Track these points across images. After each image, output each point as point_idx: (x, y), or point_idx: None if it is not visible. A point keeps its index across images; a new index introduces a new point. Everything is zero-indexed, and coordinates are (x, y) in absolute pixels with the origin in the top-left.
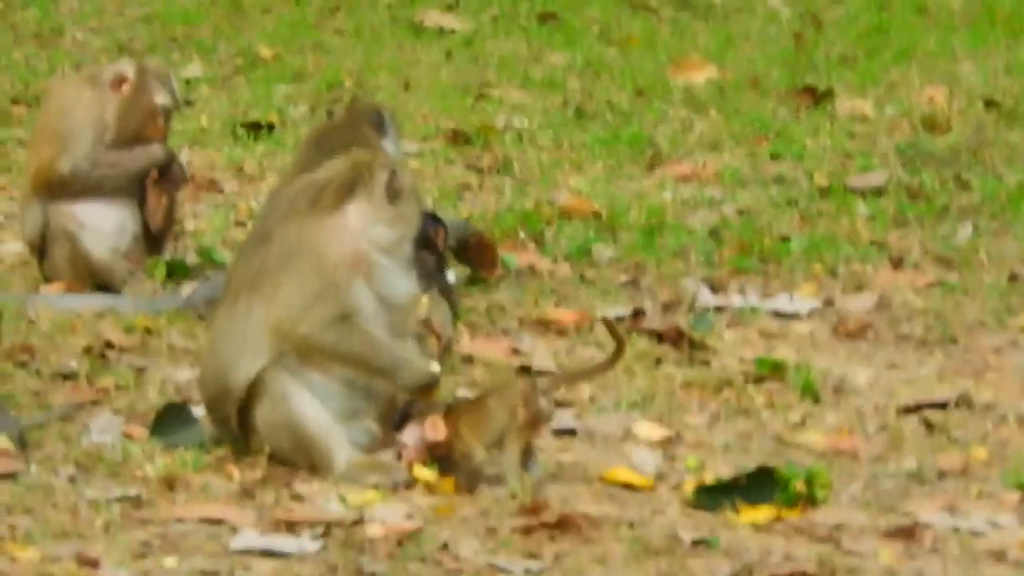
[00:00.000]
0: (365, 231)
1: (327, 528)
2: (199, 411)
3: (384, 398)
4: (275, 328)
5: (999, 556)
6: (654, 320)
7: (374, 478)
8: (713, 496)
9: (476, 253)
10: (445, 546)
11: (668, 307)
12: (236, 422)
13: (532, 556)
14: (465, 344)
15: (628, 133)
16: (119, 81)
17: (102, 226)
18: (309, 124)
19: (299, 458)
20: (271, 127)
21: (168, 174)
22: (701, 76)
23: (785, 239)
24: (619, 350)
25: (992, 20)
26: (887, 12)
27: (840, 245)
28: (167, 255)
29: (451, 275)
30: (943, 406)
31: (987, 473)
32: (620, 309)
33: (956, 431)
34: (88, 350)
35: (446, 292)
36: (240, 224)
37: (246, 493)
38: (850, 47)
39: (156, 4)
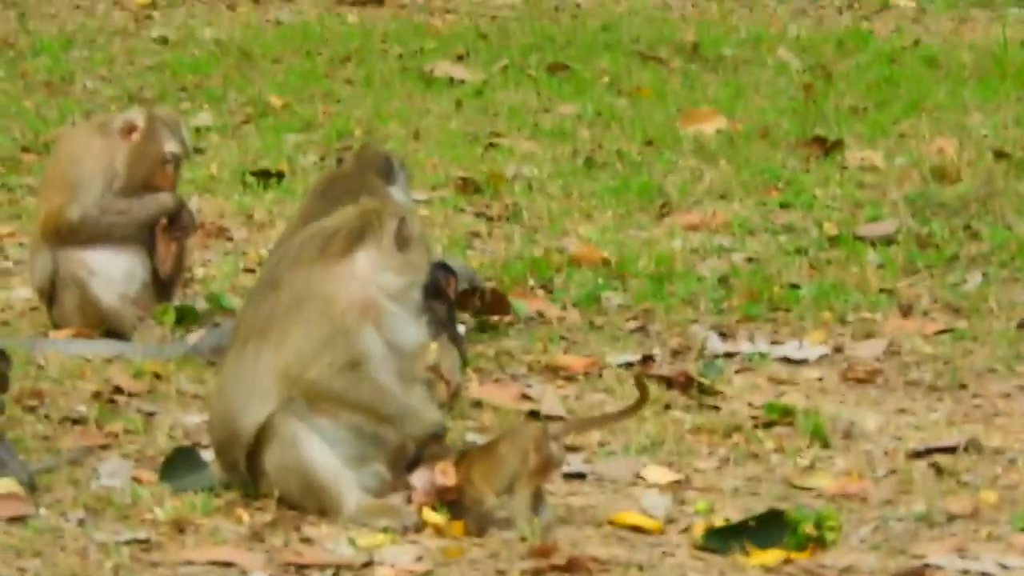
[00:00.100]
0: (374, 278)
1: (336, 571)
2: (208, 455)
3: (394, 443)
4: (284, 374)
5: None
6: (663, 366)
7: (384, 521)
8: (723, 539)
9: (490, 304)
10: None
11: (677, 353)
12: (245, 466)
13: None
14: (474, 389)
15: (638, 182)
16: (129, 129)
17: (111, 273)
18: (319, 173)
19: (308, 502)
20: (281, 175)
21: (178, 221)
22: (711, 126)
23: (795, 287)
24: (639, 404)
25: (1002, 73)
26: (897, 64)
27: (849, 293)
28: (176, 301)
29: (460, 327)
30: (952, 450)
31: (996, 516)
32: (629, 355)
33: (965, 475)
34: (97, 395)
35: (455, 339)
36: (249, 271)
37: (255, 536)
38: (860, 99)
39: (166, 54)
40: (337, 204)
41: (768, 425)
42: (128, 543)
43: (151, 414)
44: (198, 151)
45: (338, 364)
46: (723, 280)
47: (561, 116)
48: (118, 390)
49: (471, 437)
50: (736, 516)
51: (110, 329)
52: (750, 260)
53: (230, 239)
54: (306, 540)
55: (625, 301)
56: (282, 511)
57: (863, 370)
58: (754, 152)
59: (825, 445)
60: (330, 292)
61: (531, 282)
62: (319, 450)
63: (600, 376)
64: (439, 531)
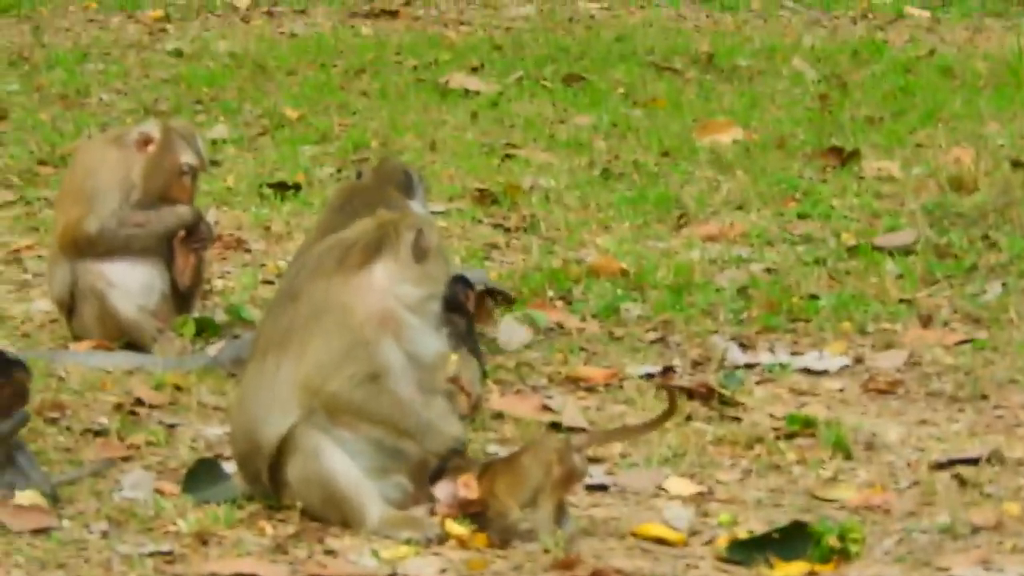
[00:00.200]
0: (392, 290)
1: None
2: (230, 467)
3: (415, 457)
4: (304, 386)
5: None
6: (684, 377)
7: (407, 533)
8: (746, 551)
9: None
10: None
11: (698, 364)
12: (268, 478)
13: None
14: (495, 401)
15: (655, 193)
16: (145, 141)
17: (130, 285)
18: (335, 184)
19: (331, 513)
20: (297, 187)
21: (196, 233)
22: (727, 137)
23: (814, 297)
24: (664, 416)
25: (1018, 82)
26: (913, 74)
27: (869, 303)
28: (195, 313)
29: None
30: (975, 462)
31: (1020, 528)
32: (649, 366)
33: (988, 486)
34: (118, 407)
35: (475, 352)
36: (268, 283)
37: (279, 548)
38: (876, 108)
39: (181, 66)
40: (356, 216)
41: (790, 436)
42: (151, 555)
43: (173, 426)
44: (214, 163)
45: (358, 376)
46: (742, 291)
47: (577, 127)
48: (139, 402)
49: (492, 449)
50: (759, 528)
51: (130, 341)
52: (769, 271)
53: (248, 251)
54: (329, 552)
55: (644, 312)
56: (305, 523)
57: (884, 381)
58: (771, 162)
59: (847, 457)
60: (349, 304)
61: (550, 293)
62: (341, 462)
63: (620, 387)
64: (462, 543)
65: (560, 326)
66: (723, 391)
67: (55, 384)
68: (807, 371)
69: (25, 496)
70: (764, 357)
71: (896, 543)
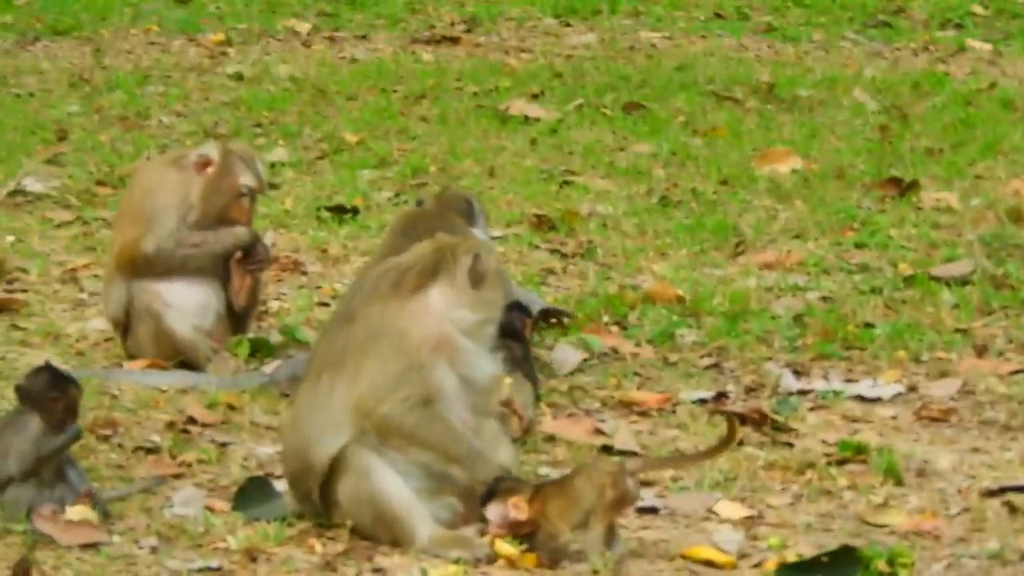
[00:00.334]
0: (447, 314)
1: None
2: (281, 486)
3: (464, 480)
4: (357, 407)
5: None
6: (737, 403)
7: (456, 553)
8: (795, 574)
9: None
10: None
11: (751, 390)
12: (318, 496)
13: None
14: (548, 424)
15: (712, 221)
16: (204, 163)
17: (186, 305)
18: (393, 209)
19: (381, 532)
20: (355, 211)
21: (253, 255)
22: (786, 166)
23: (869, 326)
24: (722, 446)
25: None
26: (973, 106)
27: (924, 332)
28: (251, 334)
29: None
30: None
31: None
32: (703, 392)
33: None
34: (171, 425)
35: (530, 376)
36: (323, 305)
37: (328, 566)
38: (936, 140)
39: (241, 90)
40: (418, 241)
41: (841, 462)
42: (200, 571)
43: (224, 444)
44: (273, 186)
45: (411, 400)
46: (797, 318)
47: (636, 155)
48: (192, 420)
49: (544, 471)
50: (809, 552)
51: (184, 360)
52: (825, 299)
53: (304, 273)
54: (378, 570)
55: (699, 338)
56: (354, 541)
57: (937, 409)
58: (829, 192)
59: (898, 483)
60: (404, 327)
61: (605, 318)
62: (392, 482)
63: (673, 412)
64: (511, 563)
65: (615, 351)
66: (776, 417)
67: (108, 402)
68: (860, 398)
69: (75, 511)
70: (818, 384)
71: (945, 568)
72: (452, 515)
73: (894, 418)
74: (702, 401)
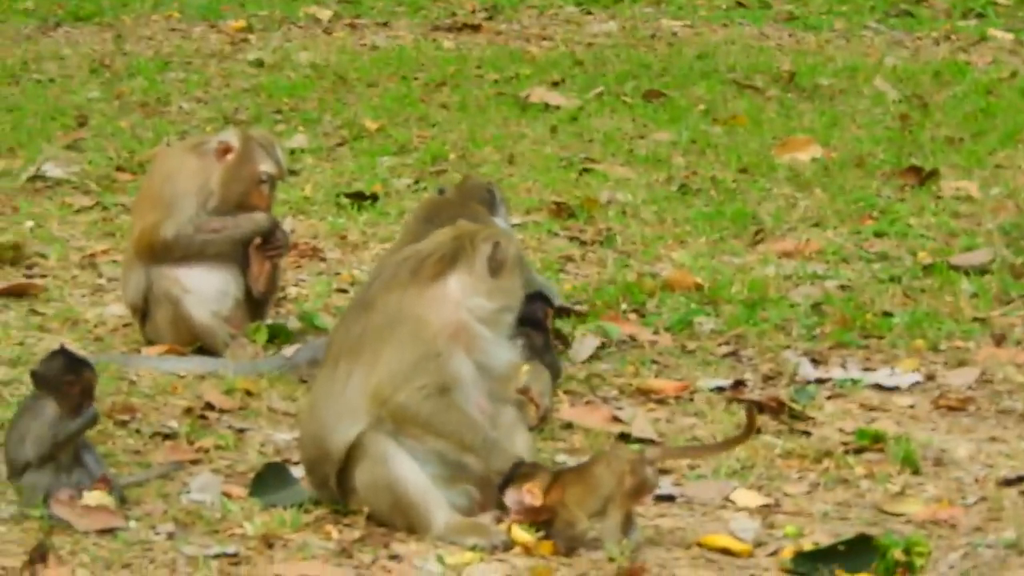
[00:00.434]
0: (465, 302)
1: None
2: (298, 472)
3: (479, 470)
4: (374, 395)
5: None
6: (755, 391)
7: (472, 539)
8: (811, 563)
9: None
10: None
11: (769, 379)
12: (335, 483)
13: None
14: (565, 411)
15: (732, 209)
16: (224, 150)
17: (204, 290)
18: (412, 196)
19: (397, 519)
20: (375, 197)
21: (272, 241)
22: (806, 155)
23: (888, 314)
24: (742, 436)
25: None
26: (994, 96)
27: (943, 321)
28: (269, 320)
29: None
30: None
31: None
32: (721, 380)
33: None
34: (188, 411)
35: (552, 365)
36: (342, 291)
37: (344, 552)
38: (956, 129)
39: (262, 76)
40: (441, 228)
41: (859, 451)
42: (216, 557)
43: (242, 430)
44: (293, 173)
45: (428, 388)
46: (816, 307)
47: (656, 143)
48: (209, 406)
49: (561, 458)
50: (825, 540)
51: (202, 346)
52: (843, 287)
53: (323, 260)
54: (394, 557)
55: (717, 326)
56: (371, 528)
57: (955, 398)
58: (849, 180)
59: (915, 472)
60: (421, 315)
61: (624, 306)
62: (409, 468)
63: (691, 400)
64: (527, 550)
65: (633, 339)
66: (793, 405)
67: (126, 387)
68: (878, 387)
69: (92, 496)
70: (836, 372)
71: (961, 558)
72: (469, 502)
73: (912, 407)
74: (720, 389)
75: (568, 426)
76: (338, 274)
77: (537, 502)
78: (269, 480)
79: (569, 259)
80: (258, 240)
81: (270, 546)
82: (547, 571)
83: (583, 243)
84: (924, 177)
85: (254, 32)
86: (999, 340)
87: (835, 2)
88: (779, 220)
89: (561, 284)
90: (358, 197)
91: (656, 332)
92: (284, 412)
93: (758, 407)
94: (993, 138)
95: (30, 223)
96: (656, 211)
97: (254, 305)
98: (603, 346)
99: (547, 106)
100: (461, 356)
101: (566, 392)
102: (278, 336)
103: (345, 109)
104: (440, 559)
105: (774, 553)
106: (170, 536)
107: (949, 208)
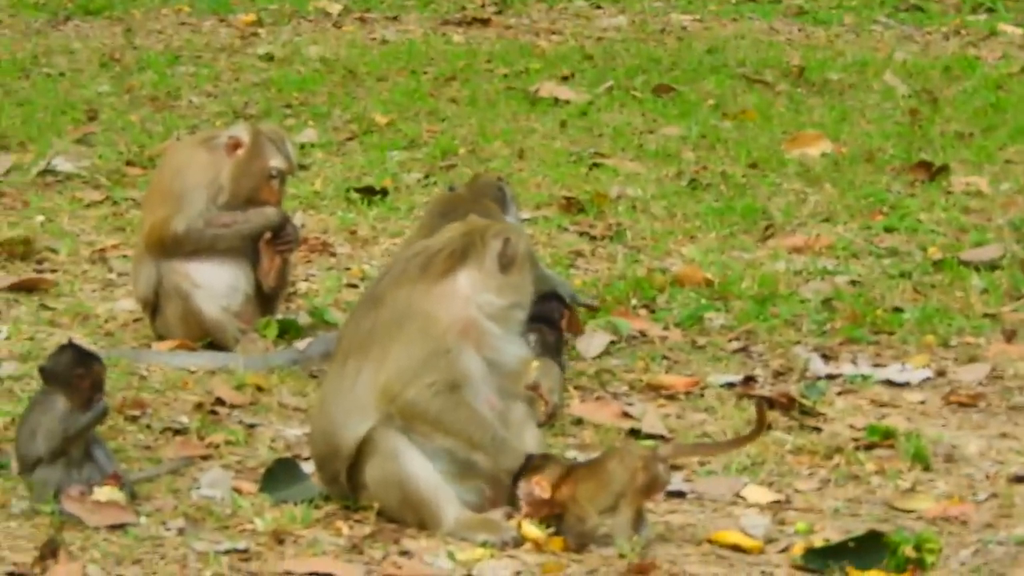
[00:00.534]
0: (474, 298)
1: None
2: (309, 467)
3: (487, 468)
4: (383, 391)
5: None
6: (765, 387)
7: (483, 535)
8: (822, 559)
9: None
10: None
11: (779, 374)
12: (346, 479)
13: None
14: (575, 407)
15: (742, 204)
16: (234, 145)
17: (215, 285)
18: (422, 190)
19: (408, 515)
20: (385, 192)
21: (282, 235)
22: (816, 150)
23: (898, 310)
24: (753, 434)
25: None
26: (1004, 90)
27: (953, 317)
28: (279, 315)
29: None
30: None
31: None
32: (731, 376)
33: None
34: (199, 406)
35: (562, 366)
36: (352, 286)
37: (355, 548)
38: (966, 124)
39: (272, 71)
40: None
41: (869, 447)
42: (227, 552)
43: (252, 426)
44: (303, 167)
45: (437, 385)
46: (826, 302)
47: (666, 137)
48: (220, 402)
49: (571, 454)
50: (836, 537)
51: (213, 341)
52: (854, 283)
53: (333, 254)
54: (405, 553)
55: (728, 322)
56: (381, 524)
57: (966, 394)
58: (859, 176)
59: (926, 468)
60: (431, 311)
61: (633, 302)
62: (420, 464)
63: (701, 395)
64: (538, 546)
65: (643, 334)
66: (804, 401)
67: (136, 383)
68: (889, 383)
69: (103, 492)
70: (846, 368)
71: (972, 554)
72: (479, 498)
73: (922, 403)
74: (730, 385)
75: (578, 422)
76: (348, 269)
77: (545, 495)
78: (279, 476)
79: (579, 254)
80: (268, 235)
81: (280, 542)
82: (558, 567)
83: (593, 238)
84: (934, 172)
85: (264, 26)
86: (1009, 336)
87: None
88: (789, 215)
89: (571, 279)
90: (368, 192)
91: (666, 328)
92: (295, 408)
93: (768, 403)
94: (1003, 133)
95: (40, 218)
96: (666, 206)
97: (264, 300)
98: (613, 342)
99: (557, 101)
100: (471, 353)
101: (576, 388)
102: (288, 331)
103: (355, 103)
104: (451, 555)
105: (785, 549)
106: (180, 532)
107: (959, 203)
